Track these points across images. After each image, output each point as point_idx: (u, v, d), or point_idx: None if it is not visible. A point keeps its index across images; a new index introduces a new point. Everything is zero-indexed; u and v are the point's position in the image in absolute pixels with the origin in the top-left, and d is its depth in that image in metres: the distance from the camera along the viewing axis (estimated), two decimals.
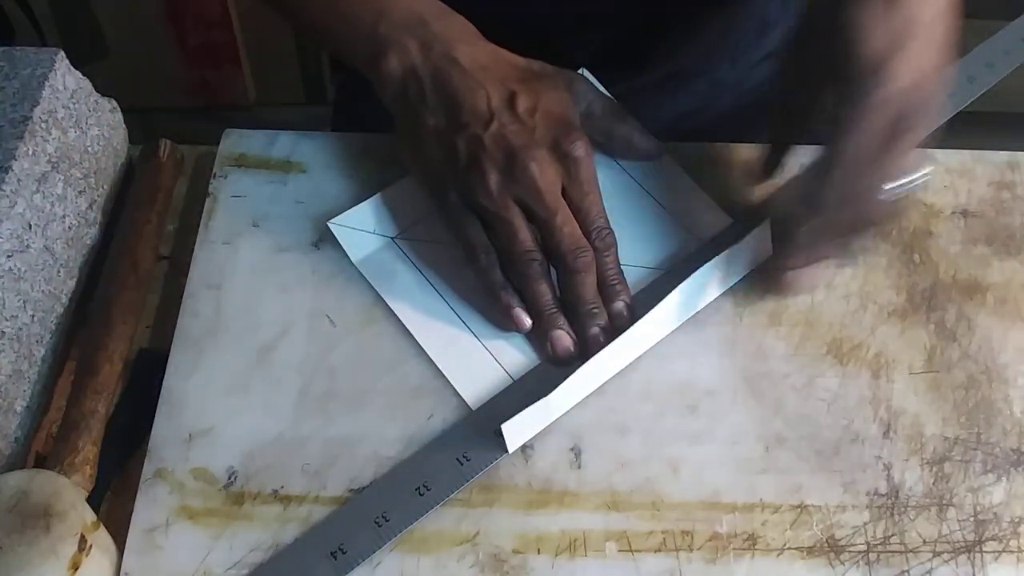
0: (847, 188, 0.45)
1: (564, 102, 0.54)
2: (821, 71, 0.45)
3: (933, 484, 0.50)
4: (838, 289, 0.57)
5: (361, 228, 0.57)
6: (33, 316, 0.52)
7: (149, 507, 0.49)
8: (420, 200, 0.58)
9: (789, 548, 0.48)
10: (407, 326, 0.54)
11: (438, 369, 0.53)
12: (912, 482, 0.50)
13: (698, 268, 0.53)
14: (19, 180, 0.50)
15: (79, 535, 0.44)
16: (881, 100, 0.41)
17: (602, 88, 0.61)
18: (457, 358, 0.53)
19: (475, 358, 0.53)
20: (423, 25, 0.54)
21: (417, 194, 0.58)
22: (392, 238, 0.57)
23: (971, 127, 0.53)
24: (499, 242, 0.52)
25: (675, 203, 0.59)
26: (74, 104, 0.56)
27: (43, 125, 0.53)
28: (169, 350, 0.53)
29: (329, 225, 0.56)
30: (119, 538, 0.48)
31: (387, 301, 0.55)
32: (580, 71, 0.61)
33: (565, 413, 0.52)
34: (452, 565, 0.47)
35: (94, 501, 0.48)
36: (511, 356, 0.53)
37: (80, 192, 0.57)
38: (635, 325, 0.52)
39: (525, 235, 0.51)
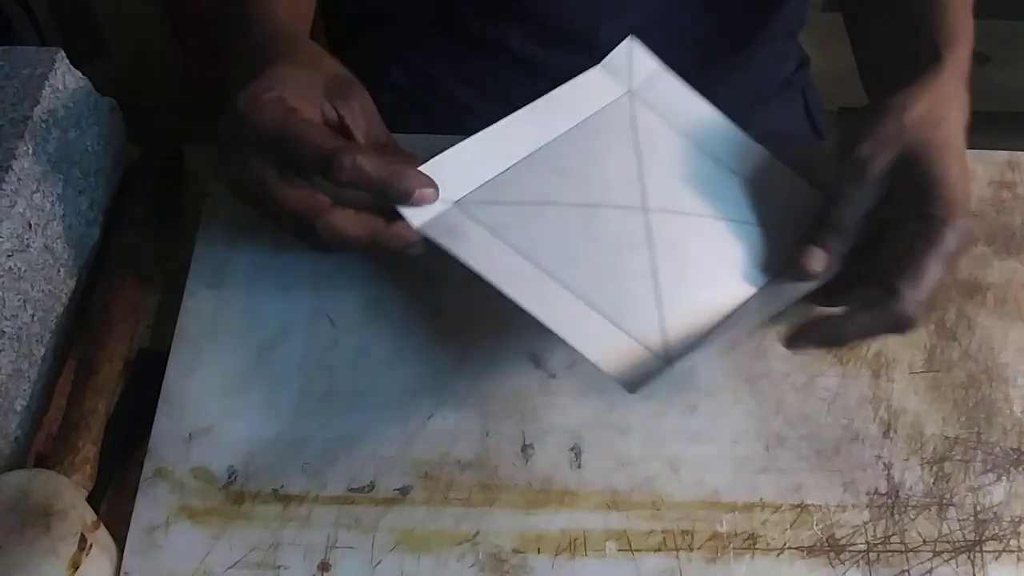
0: (924, 294, 0.48)
1: None
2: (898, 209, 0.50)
3: (933, 484, 0.50)
4: None
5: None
6: (33, 316, 0.52)
7: (149, 507, 0.49)
8: (484, 164, 0.53)
9: (789, 548, 0.48)
10: (510, 295, 0.47)
11: (437, 369, 0.53)
12: (912, 482, 0.50)
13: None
14: (19, 179, 0.50)
15: (79, 535, 0.44)
16: (966, 228, 0.48)
17: (653, 56, 0.58)
18: (578, 326, 0.47)
19: (596, 325, 0.48)
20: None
21: (479, 158, 0.53)
22: (456, 202, 0.51)
23: (971, 127, 0.53)
24: None
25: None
26: (74, 104, 0.56)
27: (43, 125, 0.53)
28: (169, 350, 0.53)
29: None
30: (119, 538, 0.48)
31: (465, 260, 0.48)
32: (630, 37, 0.59)
33: (565, 414, 0.51)
34: (452, 565, 0.47)
35: (94, 501, 0.48)
36: (633, 319, 0.48)
37: (80, 192, 0.57)
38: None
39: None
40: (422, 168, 0.50)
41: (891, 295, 0.47)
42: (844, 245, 0.50)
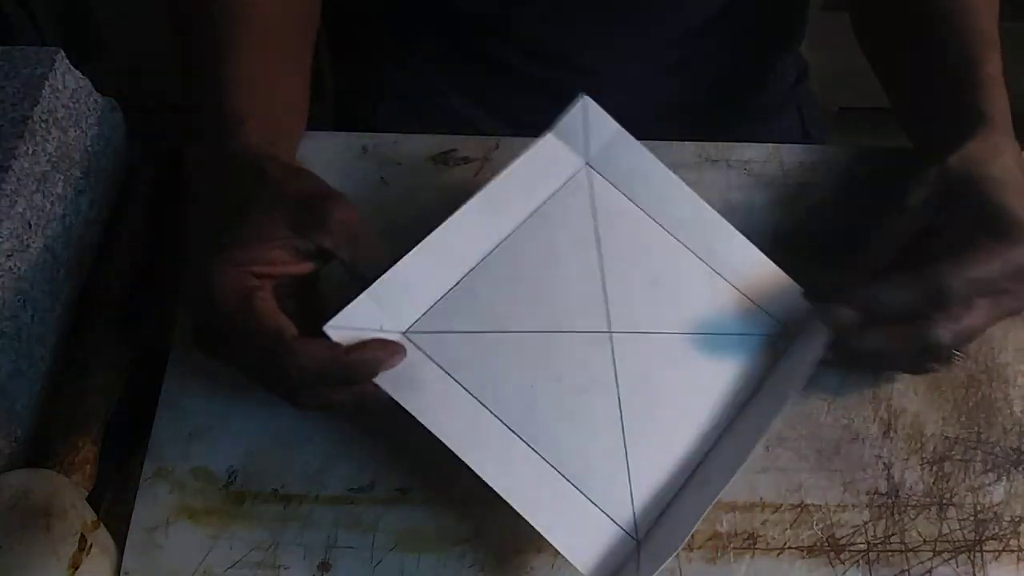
0: (953, 305, 0.47)
1: None
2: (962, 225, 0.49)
3: (933, 483, 0.50)
4: None
5: (364, 328, 0.47)
6: (33, 316, 0.52)
7: (149, 507, 0.49)
8: (432, 280, 0.50)
9: (789, 547, 0.48)
10: (459, 454, 0.45)
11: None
12: (912, 481, 0.50)
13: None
14: (19, 179, 0.50)
15: (79, 534, 0.44)
16: (1020, 251, 0.47)
17: (609, 118, 0.54)
18: (534, 492, 0.45)
19: (566, 499, 0.46)
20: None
21: (426, 274, 0.49)
22: (403, 333, 0.49)
23: None
24: None
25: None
26: (74, 104, 0.56)
27: (43, 124, 0.53)
28: (169, 350, 0.53)
29: (326, 331, 0.45)
30: (119, 538, 0.48)
31: (423, 421, 0.46)
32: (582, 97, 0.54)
33: None
34: (452, 565, 0.47)
35: (94, 501, 0.48)
36: (602, 484, 0.47)
37: (80, 192, 0.57)
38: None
39: None
40: (365, 294, 0.47)
41: (925, 320, 0.47)
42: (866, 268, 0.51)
